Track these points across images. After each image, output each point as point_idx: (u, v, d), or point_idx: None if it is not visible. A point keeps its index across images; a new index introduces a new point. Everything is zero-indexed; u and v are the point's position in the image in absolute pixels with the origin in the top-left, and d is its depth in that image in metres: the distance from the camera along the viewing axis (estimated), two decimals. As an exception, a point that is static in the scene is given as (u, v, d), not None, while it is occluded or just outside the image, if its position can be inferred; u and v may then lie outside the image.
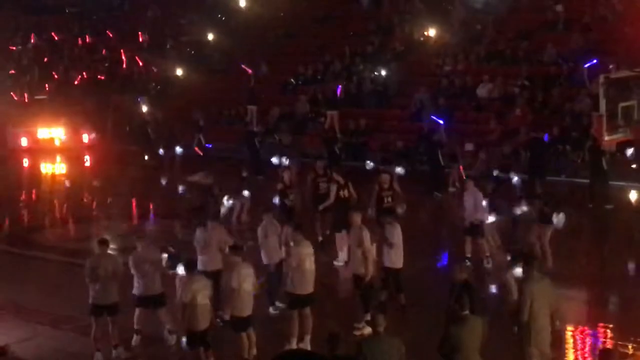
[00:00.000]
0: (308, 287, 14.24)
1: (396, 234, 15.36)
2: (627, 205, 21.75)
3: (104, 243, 14.74)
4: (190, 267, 13.77)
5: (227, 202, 20.29)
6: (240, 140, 30.63)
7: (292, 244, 14.64)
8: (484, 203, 17.83)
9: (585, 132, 25.35)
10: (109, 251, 14.82)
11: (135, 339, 14.78)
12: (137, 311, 14.79)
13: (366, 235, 14.99)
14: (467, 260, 17.45)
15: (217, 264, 15.32)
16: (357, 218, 15.24)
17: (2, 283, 18.41)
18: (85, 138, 35.83)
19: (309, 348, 13.84)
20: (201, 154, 30.84)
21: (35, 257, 20.97)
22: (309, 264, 14.21)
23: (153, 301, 14.67)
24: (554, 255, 17.29)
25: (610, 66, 26.09)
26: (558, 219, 17.31)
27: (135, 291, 14.71)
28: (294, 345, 13.98)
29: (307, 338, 14.19)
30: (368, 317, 14.64)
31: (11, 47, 44.96)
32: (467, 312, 11.17)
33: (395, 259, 15.42)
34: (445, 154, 25.25)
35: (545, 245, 17.22)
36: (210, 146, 31.46)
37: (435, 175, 24.81)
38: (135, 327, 14.80)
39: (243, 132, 30.66)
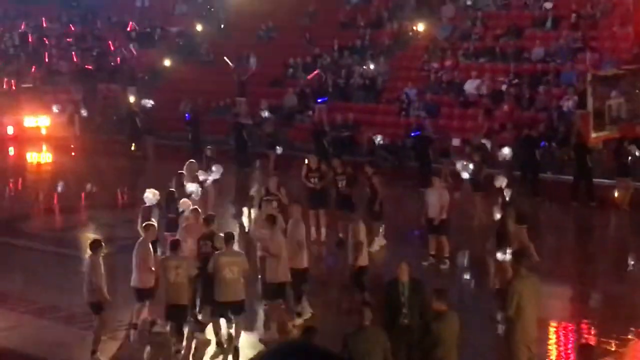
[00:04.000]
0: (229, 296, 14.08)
1: (361, 232, 15.40)
2: (611, 202, 21.86)
3: (98, 247, 14.25)
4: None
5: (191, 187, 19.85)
6: (229, 132, 30.65)
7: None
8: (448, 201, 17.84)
9: (571, 129, 25.46)
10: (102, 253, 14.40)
11: (133, 334, 14.65)
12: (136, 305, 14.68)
13: (301, 229, 15.20)
14: (431, 258, 17.67)
15: None
16: (297, 212, 15.46)
17: (-13, 271, 18.41)
18: (72, 127, 35.72)
19: None
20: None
21: (21, 245, 20.93)
22: (229, 273, 13.91)
23: (147, 294, 14.58)
24: (539, 254, 17.38)
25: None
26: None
27: (132, 283, 14.62)
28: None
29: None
30: (299, 309, 14.96)
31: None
32: (445, 307, 11.26)
33: (362, 256, 15.36)
34: (435, 149, 25.31)
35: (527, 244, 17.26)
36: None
37: (423, 171, 24.84)
38: (133, 321, 14.65)
39: (231, 124, 30.65)
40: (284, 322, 14.57)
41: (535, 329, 12.12)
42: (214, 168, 20.90)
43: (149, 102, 31.44)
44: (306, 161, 20.16)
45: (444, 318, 11.24)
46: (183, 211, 17.43)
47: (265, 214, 15.63)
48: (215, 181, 21.16)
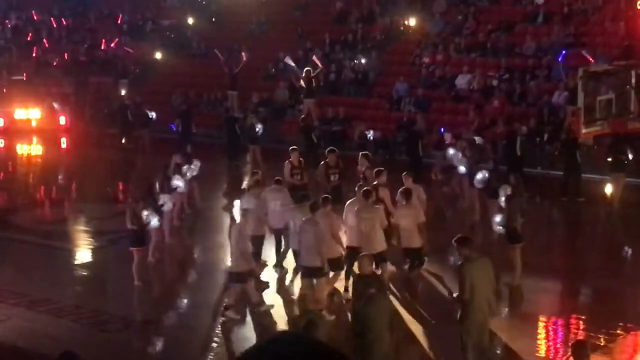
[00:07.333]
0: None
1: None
2: (600, 198, 21.91)
3: (245, 213, 15.78)
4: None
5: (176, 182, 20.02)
6: (220, 125, 30.61)
7: None
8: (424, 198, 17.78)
9: (561, 125, 25.52)
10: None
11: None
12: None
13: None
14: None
15: None
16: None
17: (-22, 264, 18.38)
18: (63, 120, 35.65)
19: None
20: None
21: (12, 238, 20.89)
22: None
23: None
24: (527, 248, 17.40)
25: (586, 55, 26.20)
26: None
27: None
28: None
29: None
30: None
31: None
32: (373, 290, 11.67)
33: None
34: (425, 144, 25.31)
35: None
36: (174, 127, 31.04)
37: (414, 165, 24.83)
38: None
39: (223, 118, 30.61)
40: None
41: (488, 310, 12.42)
42: (193, 164, 20.96)
43: (151, 114, 31.15)
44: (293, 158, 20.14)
45: (372, 302, 11.56)
46: (163, 204, 17.66)
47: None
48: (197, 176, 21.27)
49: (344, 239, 16.04)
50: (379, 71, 33.01)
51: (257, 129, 27.21)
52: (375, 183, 17.26)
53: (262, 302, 15.42)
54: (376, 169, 17.65)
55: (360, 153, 20.16)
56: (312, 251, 14.91)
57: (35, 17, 44.93)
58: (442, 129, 25.90)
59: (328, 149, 20.23)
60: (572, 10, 30.88)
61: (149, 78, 38.07)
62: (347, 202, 16.69)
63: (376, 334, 11.42)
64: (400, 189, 16.63)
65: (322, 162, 19.80)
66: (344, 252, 15.70)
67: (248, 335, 14.50)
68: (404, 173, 17.96)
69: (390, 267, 16.25)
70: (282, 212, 17.06)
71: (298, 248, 15.68)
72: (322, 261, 14.92)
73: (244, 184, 21.77)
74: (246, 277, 14.99)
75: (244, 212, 15.81)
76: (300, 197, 16.88)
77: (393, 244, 16.58)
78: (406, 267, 16.79)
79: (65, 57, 40.63)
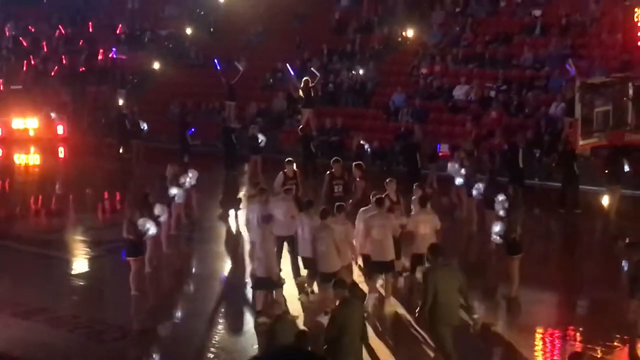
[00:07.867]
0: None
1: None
2: (597, 209, 21.91)
3: (269, 219, 16.03)
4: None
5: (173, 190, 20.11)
6: (218, 135, 30.61)
7: None
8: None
9: (558, 136, 25.56)
10: None
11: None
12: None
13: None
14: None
15: None
16: None
17: (-26, 273, 18.33)
18: (60, 129, 35.64)
19: None
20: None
21: (9, 247, 20.86)
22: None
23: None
24: (525, 259, 17.40)
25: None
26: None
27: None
28: None
29: None
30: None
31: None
32: (346, 294, 11.97)
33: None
34: (423, 154, 25.32)
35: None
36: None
37: (412, 176, 24.82)
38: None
39: (220, 128, 30.59)
40: None
41: (457, 312, 12.54)
42: (190, 173, 21.01)
43: (143, 124, 31.20)
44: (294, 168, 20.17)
45: (347, 305, 11.75)
46: (159, 216, 17.67)
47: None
48: (195, 185, 21.29)
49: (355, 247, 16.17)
50: (377, 81, 33.05)
51: (259, 140, 27.24)
52: (386, 192, 17.21)
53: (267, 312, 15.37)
54: (388, 179, 17.62)
55: (354, 163, 20.18)
56: (331, 257, 14.90)
57: (33, 27, 44.91)
58: (439, 146, 25.99)
59: (333, 158, 20.06)
60: (569, 22, 30.96)
61: (147, 88, 38.10)
62: (361, 209, 16.77)
63: (350, 337, 11.55)
64: (418, 195, 16.72)
65: (328, 172, 19.58)
66: (354, 259, 15.79)
67: (245, 346, 14.49)
68: (415, 184, 18.02)
69: (394, 278, 16.22)
70: (285, 221, 17.04)
71: (311, 255, 15.64)
72: (346, 265, 14.97)
73: (242, 193, 21.67)
74: (270, 282, 15.00)
75: (266, 217, 15.81)
76: (306, 204, 16.83)
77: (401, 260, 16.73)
78: (406, 274, 16.78)
79: (63, 65, 40.63)
